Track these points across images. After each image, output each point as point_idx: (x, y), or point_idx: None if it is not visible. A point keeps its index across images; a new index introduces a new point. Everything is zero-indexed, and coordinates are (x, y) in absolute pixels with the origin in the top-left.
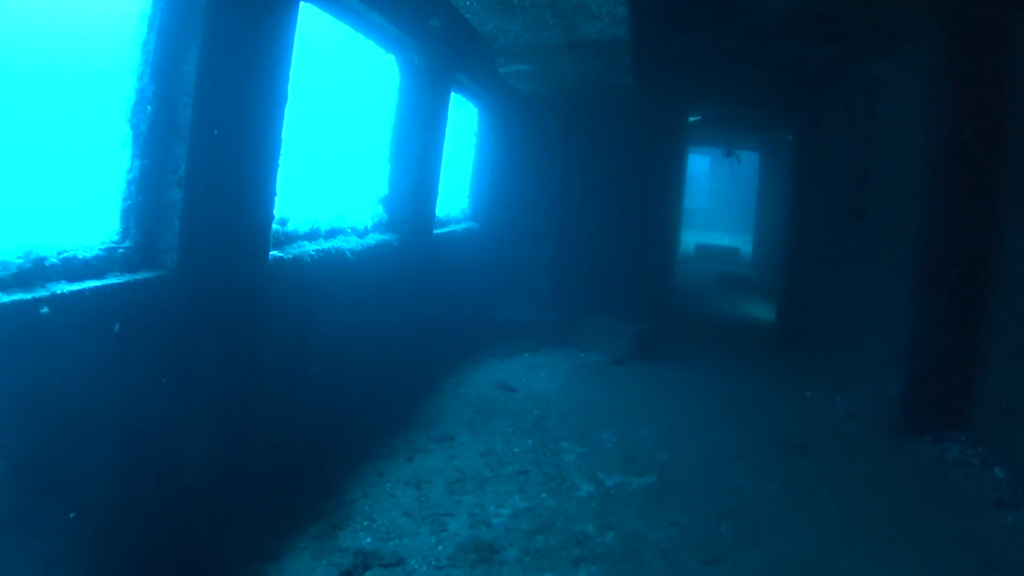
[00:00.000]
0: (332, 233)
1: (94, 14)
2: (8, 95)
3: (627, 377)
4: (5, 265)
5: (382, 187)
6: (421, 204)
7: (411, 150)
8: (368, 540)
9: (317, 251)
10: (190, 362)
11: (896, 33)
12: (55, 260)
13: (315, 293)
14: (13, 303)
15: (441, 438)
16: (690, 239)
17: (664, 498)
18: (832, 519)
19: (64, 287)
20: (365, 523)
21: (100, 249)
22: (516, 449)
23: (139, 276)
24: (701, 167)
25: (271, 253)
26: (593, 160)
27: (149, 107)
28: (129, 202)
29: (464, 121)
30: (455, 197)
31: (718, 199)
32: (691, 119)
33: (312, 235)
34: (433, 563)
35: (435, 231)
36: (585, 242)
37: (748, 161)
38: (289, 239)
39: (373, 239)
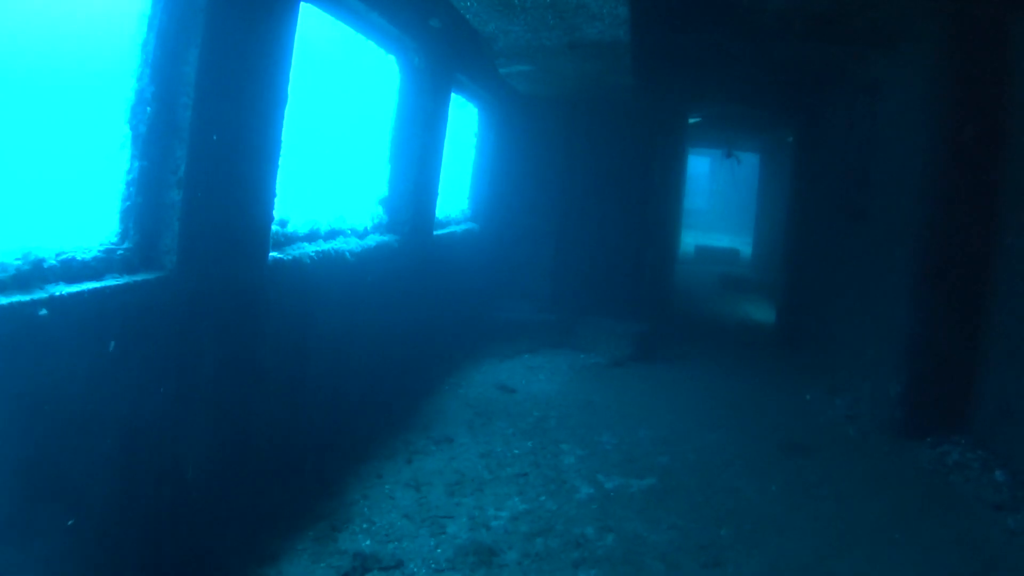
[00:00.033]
0: (332, 234)
1: (94, 14)
2: (7, 96)
3: (627, 378)
4: (3, 267)
5: (382, 188)
6: (421, 205)
7: (411, 151)
8: (367, 542)
9: (317, 252)
10: (190, 363)
11: (896, 33)
12: (54, 262)
13: (315, 294)
14: (11, 305)
15: (440, 439)
16: (690, 240)
17: (664, 500)
18: (832, 521)
19: (63, 289)
20: (364, 525)
21: (99, 250)
22: (516, 451)
23: (138, 278)
24: (701, 168)
25: (271, 254)
26: (593, 161)
27: (149, 108)
28: (128, 203)
29: (464, 122)
30: (455, 198)
31: (718, 200)
32: (691, 120)
33: (312, 236)
34: (432, 566)
35: (435, 232)
36: (585, 243)
37: (748, 162)
38: (289, 240)
39: (373, 240)
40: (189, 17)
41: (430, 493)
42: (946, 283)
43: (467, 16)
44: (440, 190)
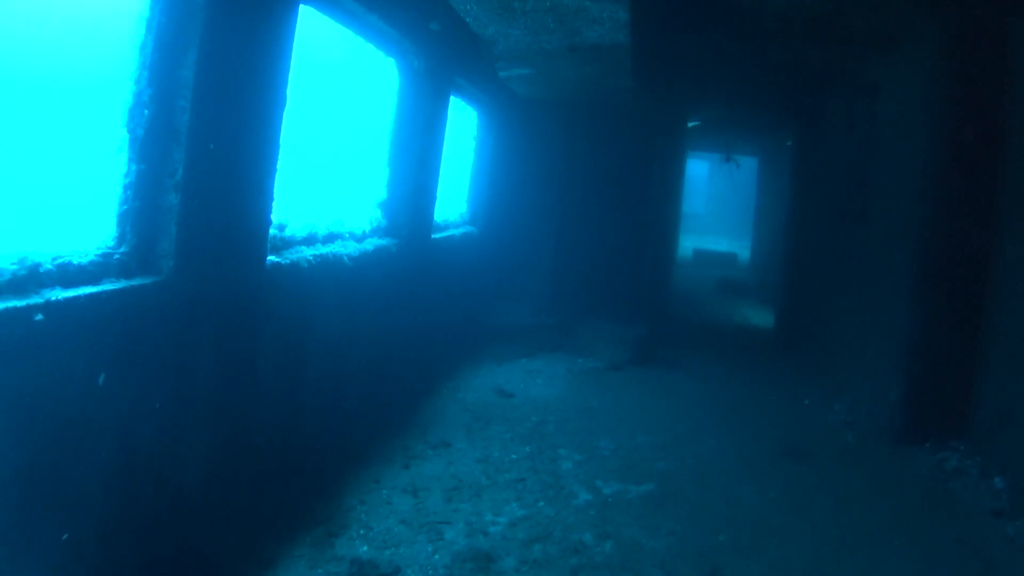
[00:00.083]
0: (330, 238)
1: (92, 17)
2: (5, 98)
3: (625, 383)
4: None
5: (380, 191)
6: (420, 209)
7: (410, 154)
8: (364, 548)
9: (315, 256)
10: (187, 368)
11: (896, 34)
12: (50, 266)
13: (313, 298)
14: (7, 310)
15: (438, 444)
16: (688, 244)
17: (662, 506)
18: (831, 528)
19: (59, 293)
20: (362, 531)
21: (96, 255)
22: (513, 456)
23: (135, 282)
24: (700, 172)
25: (269, 258)
26: (592, 164)
27: (146, 111)
28: (125, 207)
29: (463, 125)
30: (454, 201)
31: (716, 204)
32: (690, 124)
33: (310, 240)
34: (430, 573)
35: (433, 235)
36: (584, 246)
37: (746, 166)
38: (287, 244)
39: (371, 244)
40: (187, 19)
41: (428, 498)
42: (945, 286)
43: (467, 19)
44: (439, 193)
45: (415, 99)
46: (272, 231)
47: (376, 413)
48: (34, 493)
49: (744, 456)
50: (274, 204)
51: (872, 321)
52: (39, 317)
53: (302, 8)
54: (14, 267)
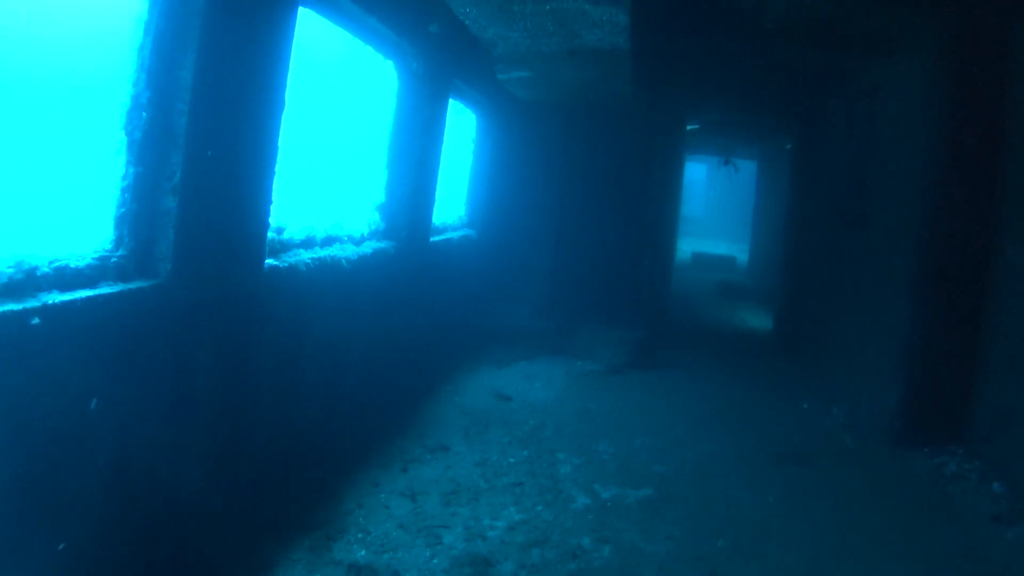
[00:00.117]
0: (328, 241)
1: (90, 19)
2: (2, 101)
3: (623, 386)
4: None
5: (379, 194)
6: (418, 211)
7: (408, 157)
8: (362, 553)
9: (313, 259)
10: (185, 371)
11: (896, 37)
12: (47, 269)
13: (311, 301)
14: (3, 314)
15: (436, 448)
16: (687, 247)
17: (661, 511)
18: (830, 532)
19: (56, 297)
20: (359, 535)
21: (93, 258)
22: (512, 460)
23: (133, 285)
24: (698, 175)
25: (267, 261)
26: (591, 166)
27: (144, 113)
28: (123, 210)
29: (462, 128)
30: (452, 204)
31: (715, 207)
32: (689, 127)
33: (308, 243)
34: None
35: (432, 238)
36: (583, 249)
37: (745, 170)
38: (285, 247)
39: (369, 247)
40: (186, 22)
41: (426, 502)
42: (945, 289)
43: (466, 22)
44: (437, 196)
45: (414, 102)
46: (270, 234)
47: (374, 416)
48: (31, 498)
49: (743, 459)
50: (272, 207)
51: (871, 324)
52: (36, 321)
53: (301, 10)
54: (11, 270)
